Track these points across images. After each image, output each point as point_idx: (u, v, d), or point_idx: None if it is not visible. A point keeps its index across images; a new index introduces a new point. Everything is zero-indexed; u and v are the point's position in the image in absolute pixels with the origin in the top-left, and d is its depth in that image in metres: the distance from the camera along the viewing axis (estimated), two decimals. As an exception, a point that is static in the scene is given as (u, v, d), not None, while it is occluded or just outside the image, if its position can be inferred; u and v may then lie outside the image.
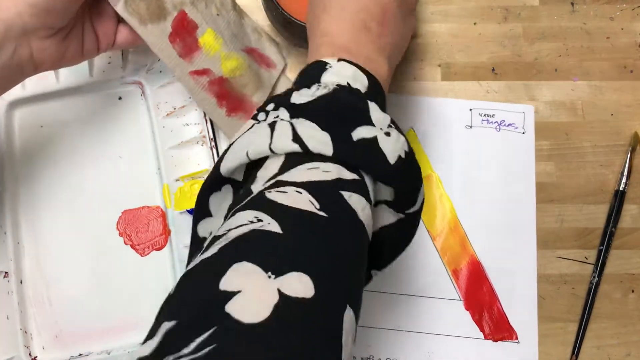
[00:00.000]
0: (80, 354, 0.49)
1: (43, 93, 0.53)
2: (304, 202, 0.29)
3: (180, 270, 0.51)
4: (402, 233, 0.35)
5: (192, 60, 0.46)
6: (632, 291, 0.51)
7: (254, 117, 0.34)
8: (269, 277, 0.26)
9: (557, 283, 0.51)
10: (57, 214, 0.52)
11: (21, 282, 0.50)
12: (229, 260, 0.26)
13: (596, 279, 0.51)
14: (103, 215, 0.52)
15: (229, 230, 0.28)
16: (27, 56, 0.41)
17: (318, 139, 0.31)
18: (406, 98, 0.55)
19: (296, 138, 0.31)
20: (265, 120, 0.33)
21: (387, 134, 0.32)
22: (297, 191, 0.29)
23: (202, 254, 0.29)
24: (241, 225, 0.28)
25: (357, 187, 0.31)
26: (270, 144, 0.31)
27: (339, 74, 0.34)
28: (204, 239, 0.35)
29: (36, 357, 0.49)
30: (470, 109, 0.55)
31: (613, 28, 0.58)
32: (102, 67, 0.54)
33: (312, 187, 0.30)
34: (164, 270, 0.51)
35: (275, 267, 0.26)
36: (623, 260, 0.52)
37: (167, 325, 0.25)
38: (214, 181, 0.34)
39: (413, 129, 0.54)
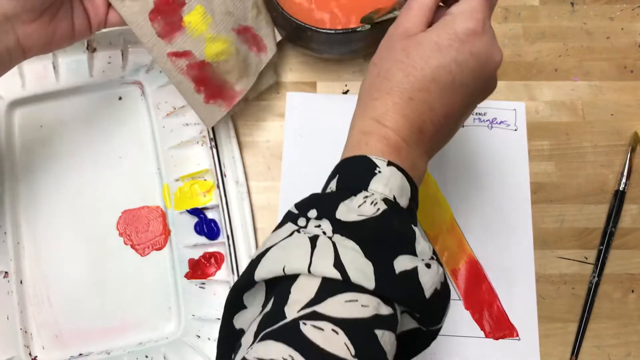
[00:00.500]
0: (80, 354, 0.49)
1: (43, 93, 0.54)
2: (340, 346, 0.28)
3: (180, 270, 0.51)
4: (421, 341, 0.35)
5: (172, 40, 0.43)
6: (632, 291, 0.51)
7: (294, 221, 0.33)
8: None
9: (557, 283, 0.51)
10: (57, 214, 0.52)
11: (21, 282, 0.50)
12: None
13: (596, 279, 0.51)
14: (103, 215, 0.52)
15: None
16: (13, 42, 0.39)
17: (360, 269, 0.30)
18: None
19: (337, 263, 0.29)
20: (305, 227, 0.32)
21: (428, 265, 0.31)
22: (333, 330, 0.28)
23: None
24: None
25: (391, 323, 0.30)
26: (309, 265, 0.30)
27: (388, 184, 0.32)
28: (241, 330, 0.34)
29: (36, 357, 0.49)
30: None
31: (613, 28, 0.58)
32: (102, 67, 0.54)
33: (349, 326, 0.29)
34: (164, 270, 0.51)
35: None
36: (623, 260, 0.52)
37: None
38: (247, 284, 0.33)
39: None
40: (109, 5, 0.43)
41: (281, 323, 0.29)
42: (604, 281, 0.51)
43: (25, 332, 0.49)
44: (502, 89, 0.56)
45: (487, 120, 0.55)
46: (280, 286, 0.31)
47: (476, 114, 0.55)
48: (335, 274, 0.29)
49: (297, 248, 0.31)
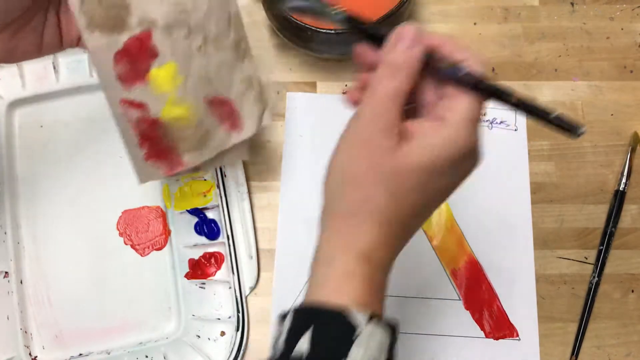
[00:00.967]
0: (80, 354, 0.49)
1: (43, 93, 0.54)
2: None
3: (181, 270, 0.51)
4: None
5: (130, 88, 0.38)
6: (632, 291, 0.51)
7: None
8: None
9: (557, 283, 0.51)
10: (57, 214, 0.52)
11: (21, 282, 0.50)
12: None
13: (596, 279, 0.51)
14: (103, 215, 0.52)
15: None
16: None
17: None
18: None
19: None
20: None
21: None
22: None
23: None
24: None
25: None
26: None
27: (367, 349, 0.29)
28: None
29: (36, 357, 0.49)
30: None
31: (613, 28, 0.58)
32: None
33: None
34: (164, 270, 0.51)
35: None
36: (623, 260, 0.52)
37: None
38: None
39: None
40: None
41: None
42: (604, 281, 0.51)
43: (25, 332, 0.49)
44: (502, 89, 0.56)
45: (487, 120, 0.55)
46: None
47: (476, 114, 0.55)
48: None
49: None
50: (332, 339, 0.29)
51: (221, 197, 0.50)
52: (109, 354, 0.49)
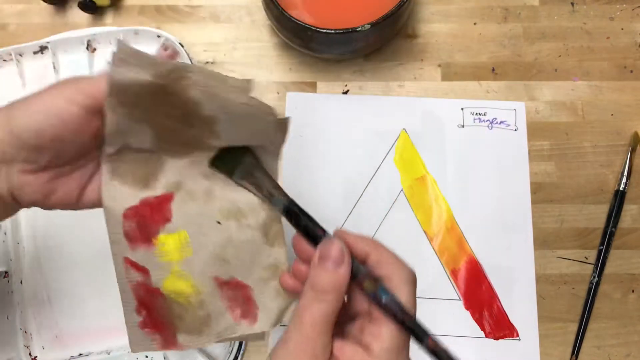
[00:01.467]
0: (80, 354, 0.49)
1: (43, 93, 0.54)
2: None
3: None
4: None
5: (134, 248, 0.35)
6: (632, 291, 0.51)
7: None
8: None
9: (557, 283, 0.51)
10: (57, 214, 0.51)
11: (21, 282, 0.50)
12: None
13: (596, 279, 0.51)
14: (103, 215, 0.52)
15: None
16: (3, 190, 0.32)
17: None
18: (397, 99, 0.55)
19: None
20: None
21: None
22: None
23: None
24: None
25: None
26: None
27: None
28: None
29: (36, 357, 0.49)
30: (462, 108, 0.55)
31: (613, 28, 0.58)
32: (102, 67, 0.54)
33: None
34: (164, 270, 0.51)
35: None
36: (623, 260, 0.52)
37: None
38: None
39: (405, 130, 0.54)
40: None
41: None
42: (604, 281, 0.51)
43: (25, 332, 0.49)
44: (502, 89, 0.56)
45: (487, 121, 0.55)
46: None
47: (476, 114, 0.55)
48: None
49: None
50: None
51: (221, 197, 0.50)
52: (109, 354, 0.49)
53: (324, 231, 0.33)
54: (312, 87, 0.56)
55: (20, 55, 0.54)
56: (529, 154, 0.54)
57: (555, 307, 0.51)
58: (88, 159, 0.33)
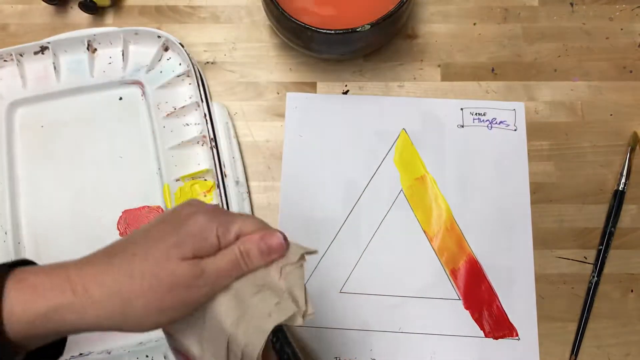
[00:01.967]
0: (80, 354, 0.49)
1: (44, 93, 0.54)
2: None
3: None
4: None
5: None
6: (632, 291, 0.51)
7: None
8: None
9: (556, 283, 0.51)
10: (58, 213, 0.52)
11: (22, 282, 0.50)
12: None
13: (595, 278, 0.51)
14: (104, 215, 0.52)
15: None
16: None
17: None
18: (397, 99, 0.55)
19: None
20: None
21: None
22: None
23: None
24: None
25: None
26: None
27: None
28: None
29: (36, 356, 0.49)
30: (462, 108, 0.55)
31: (613, 28, 0.58)
32: (102, 68, 0.54)
33: None
34: (164, 270, 0.51)
35: None
36: (622, 260, 0.52)
37: None
38: None
39: (405, 130, 0.54)
40: None
41: None
42: (604, 281, 0.51)
43: (26, 331, 0.49)
44: (502, 89, 0.56)
45: (486, 121, 0.55)
46: None
47: (476, 114, 0.55)
48: None
49: None
50: None
51: (222, 197, 0.50)
52: (109, 353, 0.49)
53: None
54: (312, 87, 0.56)
55: (21, 55, 0.54)
56: (528, 154, 0.54)
57: (555, 306, 0.51)
58: None
